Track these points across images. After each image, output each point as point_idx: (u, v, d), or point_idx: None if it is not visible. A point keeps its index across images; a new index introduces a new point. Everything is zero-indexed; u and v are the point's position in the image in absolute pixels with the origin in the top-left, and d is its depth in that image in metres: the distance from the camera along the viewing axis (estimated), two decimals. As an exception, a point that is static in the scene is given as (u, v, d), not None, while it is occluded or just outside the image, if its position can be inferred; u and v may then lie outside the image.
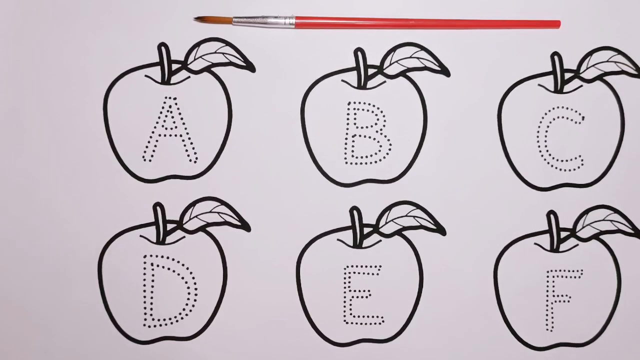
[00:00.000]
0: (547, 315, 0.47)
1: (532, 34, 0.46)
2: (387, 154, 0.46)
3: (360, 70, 0.46)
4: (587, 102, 0.47)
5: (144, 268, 0.46)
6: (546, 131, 0.47)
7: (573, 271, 0.47)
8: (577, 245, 0.47)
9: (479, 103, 0.47)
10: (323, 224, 0.46)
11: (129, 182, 0.45)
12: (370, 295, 0.46)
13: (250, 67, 0.46)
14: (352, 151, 0.46)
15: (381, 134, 0.46)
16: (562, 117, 0.47)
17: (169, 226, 0.46)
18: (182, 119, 0.46)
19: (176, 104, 0.45)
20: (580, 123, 0.47)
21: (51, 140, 0.45)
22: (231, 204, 0.46)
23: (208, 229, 0.46)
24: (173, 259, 0.46)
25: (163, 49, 0.45)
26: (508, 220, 0.47)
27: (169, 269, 0.46)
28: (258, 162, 0.46)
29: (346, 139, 0.46)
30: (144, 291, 0.46)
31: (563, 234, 0.47)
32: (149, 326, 0.46)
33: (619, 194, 0.47)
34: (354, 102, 0.46)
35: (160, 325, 0.46)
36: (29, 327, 0.45)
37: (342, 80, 0.46)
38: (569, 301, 0.47)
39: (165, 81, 0.45)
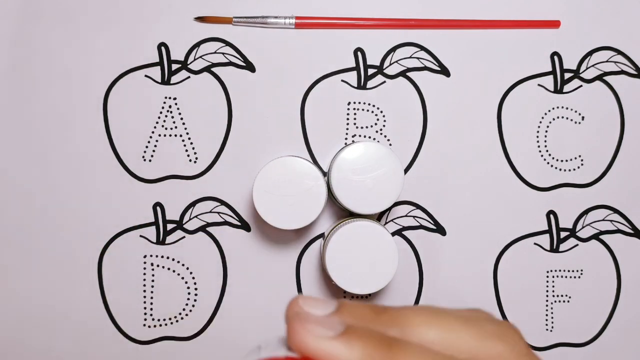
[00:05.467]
0: (547, 315, 0.47)
1: (532, 34, 0.46)
2: (387, 154, 0.46)
3: (360, 70, 0.46)
4: (586, 102, 0.47)
5: (144, 268, 0.46)
6: (546, 131, 0.47)
7: (573, 271, 0.47)
8: (577, 245, 0.47)
9: (478, 103, 0.47)
10: (323, 226, 0.46)
11: (129, 182, 0.45)
12: (369, 295, 0.46)
13: (250, 67, 0.46)
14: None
15: (381, 134, 0.46)
16: (562, 117, 0.47)
17: (169, 226, 0.46)
18: (182, 119, 0.46)
19: (176, 104, 0.45)
20: (580, 123, 0.47)
21: (51, 140, 0.45)
22: (231, 204, 0.46)
23: (208, 229, 0.46)
24: (173, 259, 0.46)
25: (163, 49, 0.45)
26: (508, 220, 0.47)
27: (169, 269, 0.46)
28: (258, 162, 0.46)
29: (346, 138, 0.46)
30: (144, 291, 0.46)
31: (563, 234, 0.47)
32: (149, 326, 0.46)
33: (618, 194, 0.47)
34: (354, 102, 0.46)
35: (160, 325, 0.46)
36: (29, 326, 0.45)
37: (342, 80, 0.46)
38: (568, 301, 0.47)
39: (165, 81, 0.45)
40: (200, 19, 0.45)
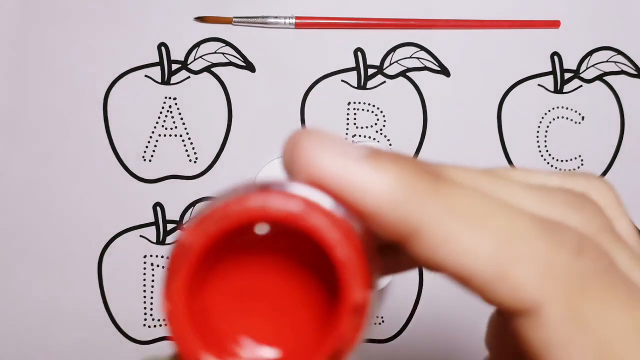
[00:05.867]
0: (547, 315, 0.47)
1: (532, 34, 0.46)
2: (387, 154, 0.46)
3: (360, 70, 0.46)
4: (586, 102, 0.47)
5: (144, 268, 0.46)
6: (546, 131, 0.47)
7: (573, 271, 0.47)
8: (577, 245, 0.47)
9: (479, 103, 0.47)
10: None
11: (129, 182, 0.45)
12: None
13: (250, 67, 0.46)
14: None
15: (381, 134, 0.46)
16: (562, 117, 0.47)
17: (169, 226, 0.46)
18: (182, 119, 0.46)
19: (176, 104, 0.45)
20: (580, 123, 0.47)
21: (51, 140, 0.45)
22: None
23: (208, 229, 0.46)
24: (173, 259, 0.46)
25: (163, 49, 0.45)
26: (508, 220, 0.47)
27: (169, 269, 0.46)
28: (258, 162, 0.45)
29: (346, 139, 0.46)
30: (144, 291, 0.46)
31: (563, 234, 0.47)
32: (149, 326, 0.46)
33: (619, 193, 0.47)
34: (354, 102, 0.46)
35: (160, 325, 0.46)
36: (29, 327, 0.45)
37: (342, 80, 0.46)
38: (569, 301, 0.47)
39: (165, 81, 0.45)
40: (200, 19, 0.45)
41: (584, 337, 0.13)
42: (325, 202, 0.13)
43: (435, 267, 0.14)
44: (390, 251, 0.17)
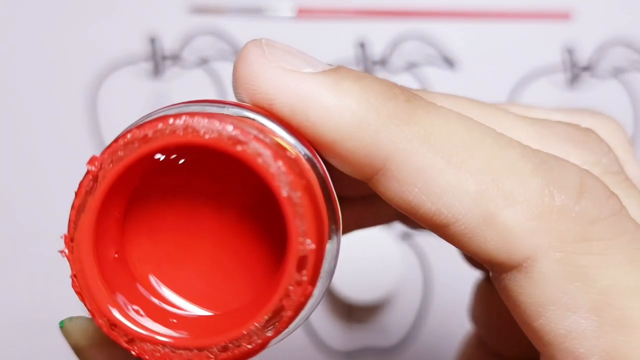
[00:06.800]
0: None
1: (542, 27, 0.45)
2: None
3: (367, 63, 0.45)
4: (598, 99, 0.46)
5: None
6: (556, 130, 0.46)
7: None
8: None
9: (486, 98, 0.45)
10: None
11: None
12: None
13: (247, 61, 0.44)
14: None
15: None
16: (573, 115, 0.46)
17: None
18: (176, 117, 0.44)
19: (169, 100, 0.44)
20: (591, 121, 0.46)
21: (39, 140, 0.44)
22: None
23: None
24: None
25: (155, 42, 0.44)
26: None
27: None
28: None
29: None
30: (138, 295, 0.45)
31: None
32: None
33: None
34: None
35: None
36: (26, 327, 0.44)
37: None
38: (576, 305, 0.46)
39: (158, 77, 0.44)
40: (195, 10, 0.44)
41: (583, 296, 0.11)
42: (270, 126, 0.11)
43: (407, 210, 0.11)
44: (361, 201, 0.15)
